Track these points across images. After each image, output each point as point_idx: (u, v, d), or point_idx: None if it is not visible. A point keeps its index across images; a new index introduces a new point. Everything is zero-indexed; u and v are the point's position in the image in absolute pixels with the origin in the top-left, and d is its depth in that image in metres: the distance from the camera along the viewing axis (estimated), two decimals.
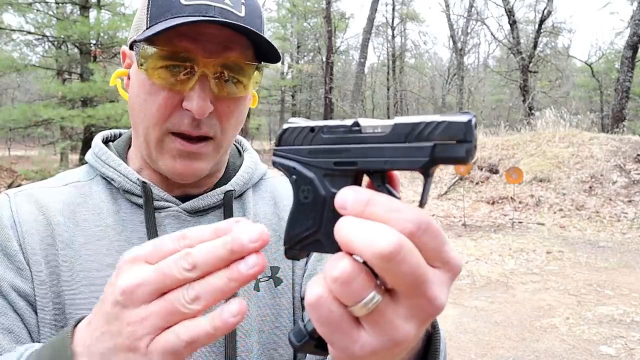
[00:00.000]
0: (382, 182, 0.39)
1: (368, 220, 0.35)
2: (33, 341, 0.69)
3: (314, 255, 0.83)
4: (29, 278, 0.70)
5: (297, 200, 0.41)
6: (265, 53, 0.74)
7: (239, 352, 0.75)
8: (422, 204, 0.39)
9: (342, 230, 0.35)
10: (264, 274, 0.81)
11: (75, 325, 0.46)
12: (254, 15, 0.73)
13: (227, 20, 0.66)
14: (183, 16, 0.67)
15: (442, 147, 0.35)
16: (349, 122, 0.39)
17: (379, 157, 0.37)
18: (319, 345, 0.40)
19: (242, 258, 0.39)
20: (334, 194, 0.38)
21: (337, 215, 0.37)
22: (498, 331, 4.51)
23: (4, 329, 0.66)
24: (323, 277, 0.37)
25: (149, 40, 0.68)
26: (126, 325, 0.39)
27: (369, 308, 0.35)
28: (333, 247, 0.38)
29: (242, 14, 0.71)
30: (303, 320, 0.42)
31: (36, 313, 0.70)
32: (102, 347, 0.41)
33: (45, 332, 0.69)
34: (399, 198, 0.37)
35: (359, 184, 0.40)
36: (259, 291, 0.79)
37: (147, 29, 0.70)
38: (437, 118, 0.36)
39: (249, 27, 0.68)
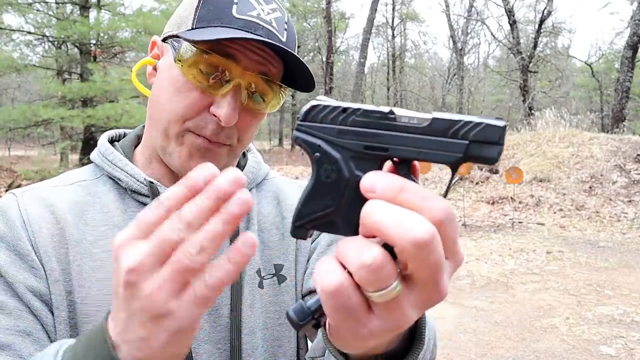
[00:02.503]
0: (408, 171, 0.40)
1: (399, 206, 0.36)
2: (51, 341, 0.69)
3: (316, 254, 0.84)
4: (43, 277, 0.70)
5: (317, 178, 0.40)
6: (295, 79, 0.77)
7: (244, 349, 0.77)
8: (445, 195, 0.41)
9: (373, 214, 0.35)
10: (268, 272, 0.82)
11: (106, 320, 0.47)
12: (292, 42, 0.77)
13: (274, 43, 0.69)
14: (233, 28, 0.70)
15: (476, 146, 0.38)
16: (385, 108, 0.40)
17: (413, 147, 0.38)
18: (317, 325, 0.41)
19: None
20: (358, 176, 0.39)
21: (357, 198, 0.38)
22: (498, 331, 4.51)
23: (22, 331, 0.66)
24: (338, 263, 0.37)
25: (196, 42, 0.69)
26: (146, 299, 0.40)
27: (392, 296, 0.36)
28: (348, 229, 0.39)
29: (284, 39, 0.75)
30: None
31: (52, 312, 0.70)
32: (134, 329, 0.42)
33: (61, 329, 0.69)
34: None
35: (379, 169, 0.40)
36: (263, 289, 0.81)
37: (193, 28, 0.71)
38: (475, 119, 0.38)
39: (292, 51, 0.71)
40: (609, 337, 4.33)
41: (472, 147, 0.37)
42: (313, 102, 0.42)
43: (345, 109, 0.40)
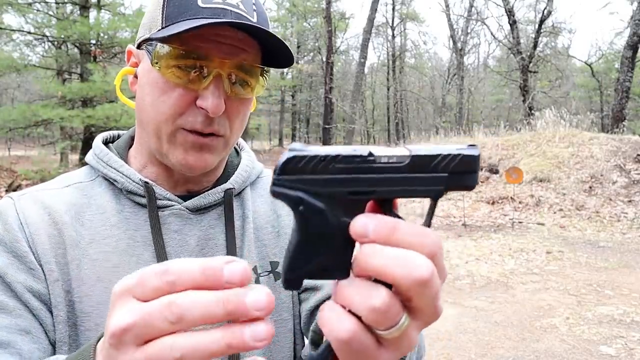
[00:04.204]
0: (391, 207, 0.40)
1: (394, 246, 0.37)
2: (50, 341, 0.70)
3: None
4: (42, 277, 0.71)
5: (303, 230, 0.39)
6: (275, 58, 0.77)
7: None
8: (428, 225, 0.41)
9: (373, 258, 0.36)
10: (264, 269, 0.83)
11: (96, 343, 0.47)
12: (263, 21, 0.76)
13: (247, 23, 0.69)
14: (201, 18, 0.69)
15: (455, 177, 0.39)
16: (364, 151, 0.39)
17: (397, 187, 0.39)
18: None
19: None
20: (345, 222, 0.38)
21: (348, 243, 0.39)
22: (498, 331, 4.51)
23: (22, 330, 0.67)
24: (343, 309, 0.37)
25: (166, 40, 0.69)
26: None
27: (402, 330, 0.37)
28: (342, 273, 0.39)
29: (255, 20, 0.74)
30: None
31: (51, 312, 0.70)
32: None
33: (60, 329, 0.70)
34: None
35: (363, 211, 0.40)
36: None
37: (162, 28, 0.71)
38: (452, 150, 0.39)
39: (264, 28, 0.70)
40: (609, 337, 4.33)
41: (452, 179, 0.39)
42: (288, 154, 0.39)
43: (323, 158, 0.38)
